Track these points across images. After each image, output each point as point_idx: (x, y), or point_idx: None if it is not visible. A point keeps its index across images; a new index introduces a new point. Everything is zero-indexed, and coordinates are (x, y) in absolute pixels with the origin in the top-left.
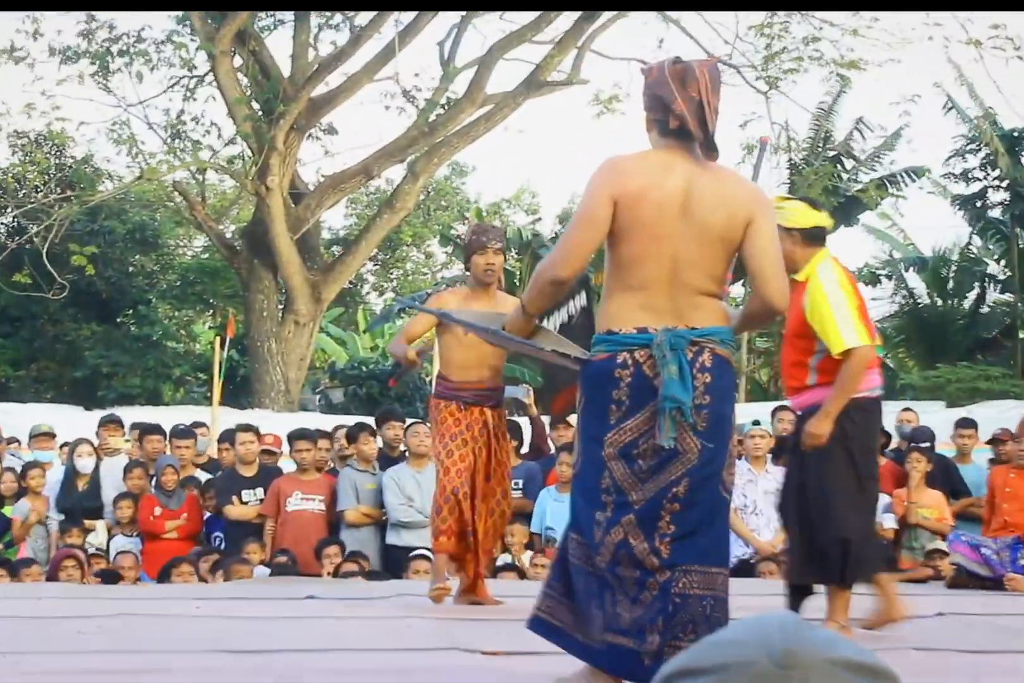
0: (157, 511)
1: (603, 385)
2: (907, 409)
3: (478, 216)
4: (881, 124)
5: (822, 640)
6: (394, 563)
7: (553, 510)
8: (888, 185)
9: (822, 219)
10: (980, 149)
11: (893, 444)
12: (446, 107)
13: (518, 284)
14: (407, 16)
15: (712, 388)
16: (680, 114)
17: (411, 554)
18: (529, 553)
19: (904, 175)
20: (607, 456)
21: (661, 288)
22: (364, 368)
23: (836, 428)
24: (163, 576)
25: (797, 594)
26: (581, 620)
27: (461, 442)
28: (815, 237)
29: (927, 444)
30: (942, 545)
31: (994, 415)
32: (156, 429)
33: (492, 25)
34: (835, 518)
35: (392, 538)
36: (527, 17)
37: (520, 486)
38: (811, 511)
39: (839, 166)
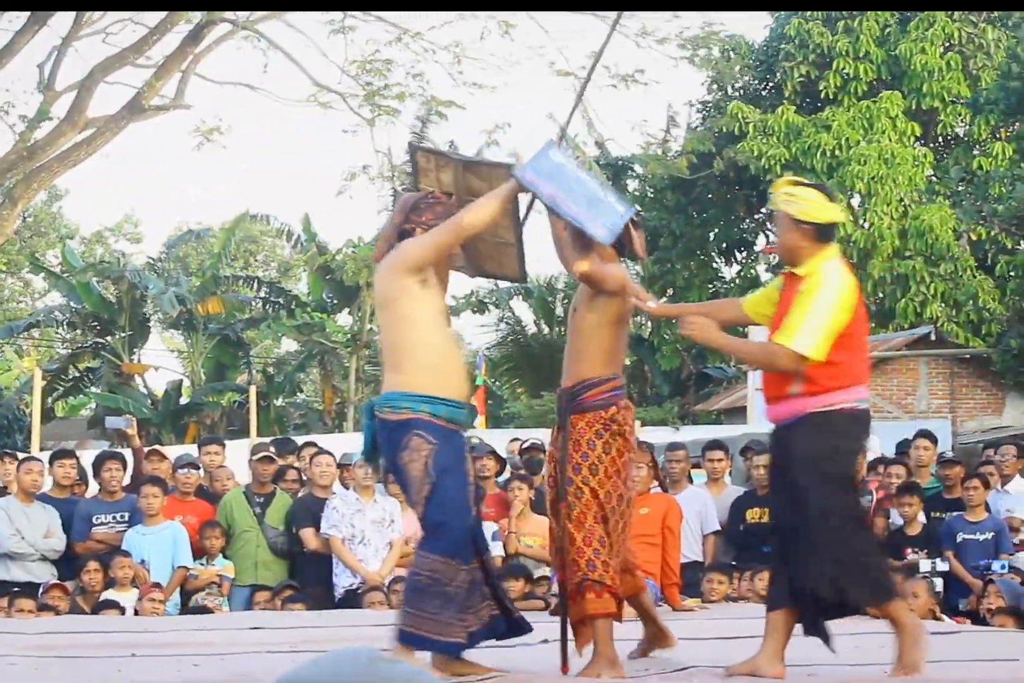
0: None
1: None
2: (515, 439)
3: (63, 251)
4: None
5: (398, 676)
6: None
7: (138, 543)
8: None
9: (838, 214)
10: None
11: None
12: (44, 130)
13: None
14: (3, 37)
15: (382, 443)
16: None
17: (14, 589)
18: (135, 590)
19: None
20: None
21: None
22: None
23: (823, 442)
24: None
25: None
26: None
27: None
28: (827, 234)
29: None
30: (548, 571)
31: None
32: None
33: (95, 48)
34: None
35: (0, 573)
36: (130, 39)
37: (127, 519)
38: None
39: None
